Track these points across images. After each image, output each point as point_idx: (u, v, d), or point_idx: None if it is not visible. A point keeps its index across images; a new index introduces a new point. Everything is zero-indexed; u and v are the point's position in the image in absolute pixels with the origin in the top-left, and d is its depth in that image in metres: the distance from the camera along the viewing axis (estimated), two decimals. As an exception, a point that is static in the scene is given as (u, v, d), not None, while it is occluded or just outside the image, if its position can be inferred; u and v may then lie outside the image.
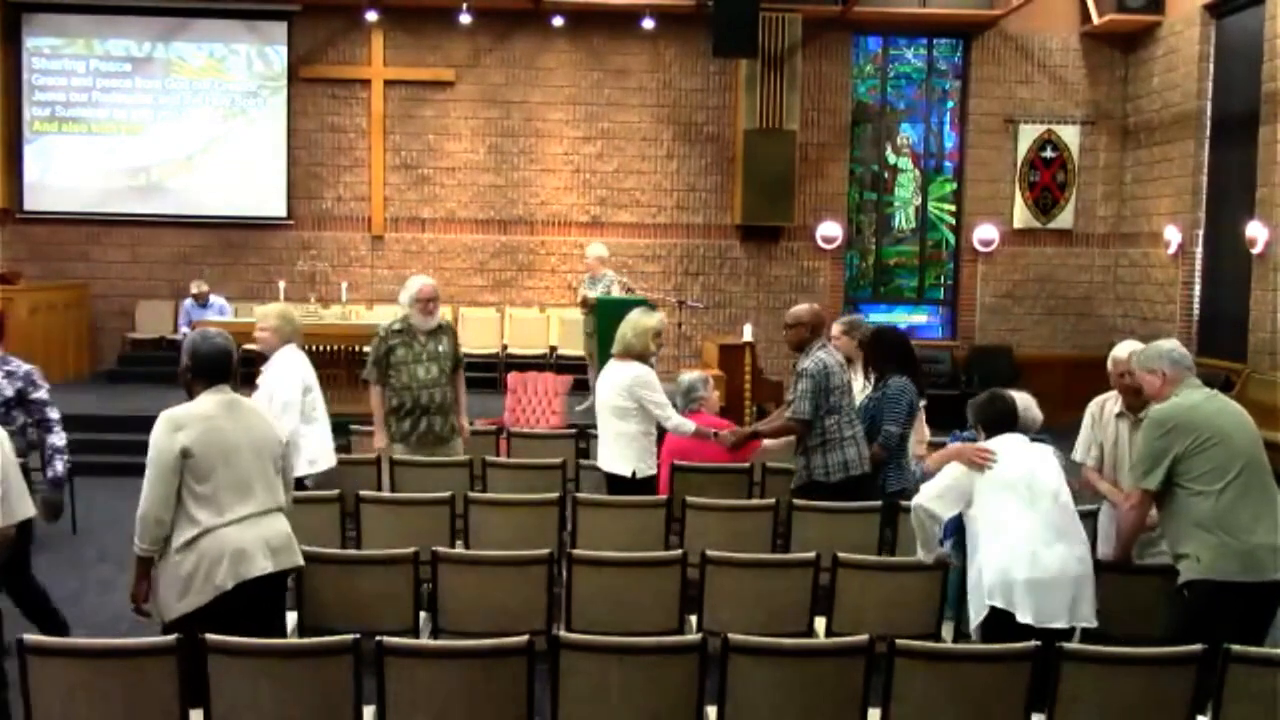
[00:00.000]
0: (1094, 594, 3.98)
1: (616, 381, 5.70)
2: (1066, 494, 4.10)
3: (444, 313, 12.53)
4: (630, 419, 5.63)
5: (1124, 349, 4.72)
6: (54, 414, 5.16)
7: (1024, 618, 3.89)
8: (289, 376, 5.60)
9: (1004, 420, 4.27)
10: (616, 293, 9.94)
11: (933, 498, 4.19)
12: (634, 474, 5.63)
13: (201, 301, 11.33)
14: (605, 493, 5.65)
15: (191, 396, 3.83)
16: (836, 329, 6.15)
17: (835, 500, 5.31)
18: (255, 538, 3.72)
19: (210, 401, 3.79)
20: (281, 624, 4.14)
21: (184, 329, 11.12)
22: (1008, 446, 4.15)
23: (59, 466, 5.02)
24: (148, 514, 3.66)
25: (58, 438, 5.08)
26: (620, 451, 5.66)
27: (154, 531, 3.66)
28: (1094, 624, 3.95)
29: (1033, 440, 4.30)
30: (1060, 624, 3.86)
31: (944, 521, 4.30)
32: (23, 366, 5.16)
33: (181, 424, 3.69)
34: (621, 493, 5.54)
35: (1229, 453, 3.96)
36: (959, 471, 4.14)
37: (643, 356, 5.77)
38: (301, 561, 3.96)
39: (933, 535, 4.29)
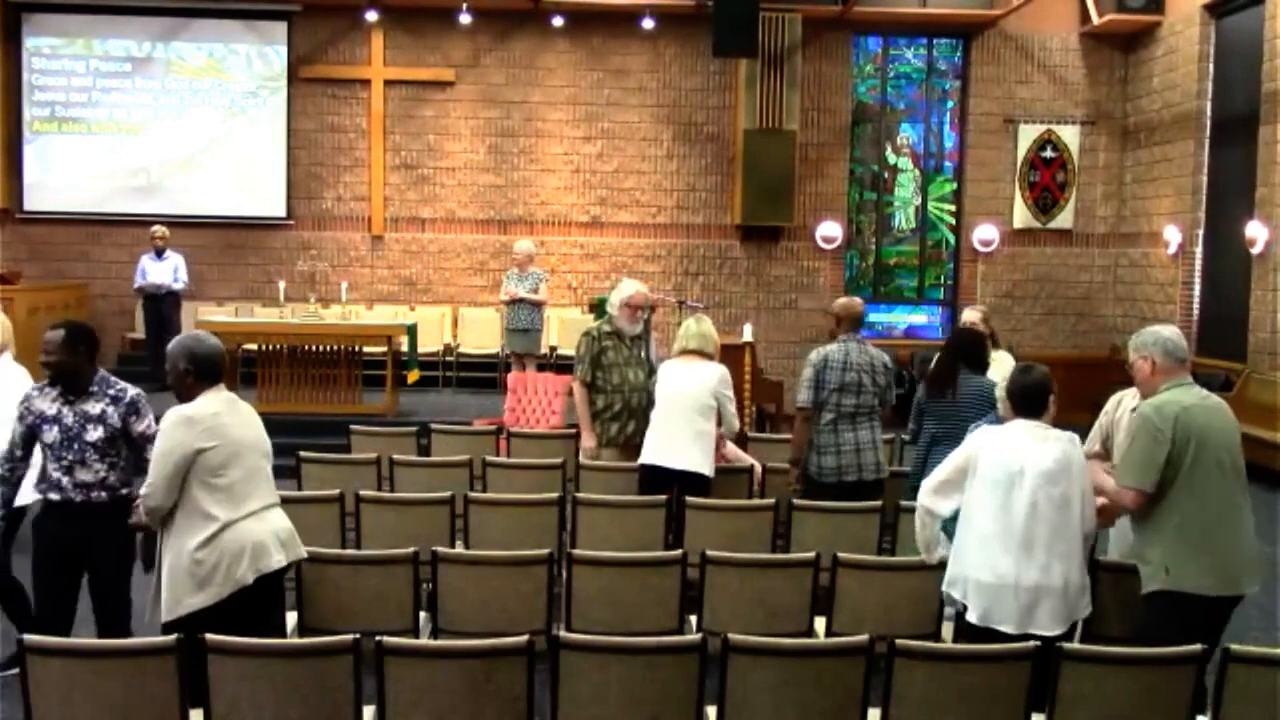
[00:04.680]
0: (1062, 605, 3.81)
1: (704, 379, 5.63)
2: (1058, 500, 3.82)
3: (444, 312, 12.72)
4: (711, 418, 5.60)
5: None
6: (150, 454, 4.13)
7: (970, 616, 3.87)
8: (14, 387, 4.83)
9: (1029, 397, 3.99)
10: (544, 291, 10.15)
11: (930, 492, 4.12)
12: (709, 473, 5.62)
13: (159, 252, 10.97)
14: (641, 492, 5.60)
15: (189, 397, 3.85)
16: (974, 316, 6.19)
17: (843, 499, 5.34)
18: (269, 531, 3.83)
19: (216, 400, 3.85)
20: (280, 617, 4.16)
21: (139, 280, 10.97)
22: (1012, 437, 3.95)
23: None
24: (156, 504, 3.74)
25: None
26: (704, 450, 5.59)
27: (158, 516, 3.78)
28: (1053, 632, 3.74)
29: (1053, 430, 3.96)
30: (1007, 629, 3.76)
31: (944, 518, 4.20)
32: (129, 390, 4.31)
33: (196, 422, 3.75)
34: (689, 492, 5.36)
35: (1210, 461, 3.88)
36: (959, 460, 4.04)
37: (713, 358, 5.82)
38: (305, 554, 4.03)
39: (934, 537, 4.24)
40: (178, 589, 3.69)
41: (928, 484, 4.17)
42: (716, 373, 5.70)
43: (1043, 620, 3.80)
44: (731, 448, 6.23)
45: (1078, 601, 3.87)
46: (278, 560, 3.82)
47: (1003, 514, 3.85)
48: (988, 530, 3.87)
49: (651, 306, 6.87)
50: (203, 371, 3.86)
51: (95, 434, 4.18)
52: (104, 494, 4.21)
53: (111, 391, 4.25)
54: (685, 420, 5.59)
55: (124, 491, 4.22)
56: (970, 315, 6.27)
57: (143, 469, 4.11)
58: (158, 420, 3.91)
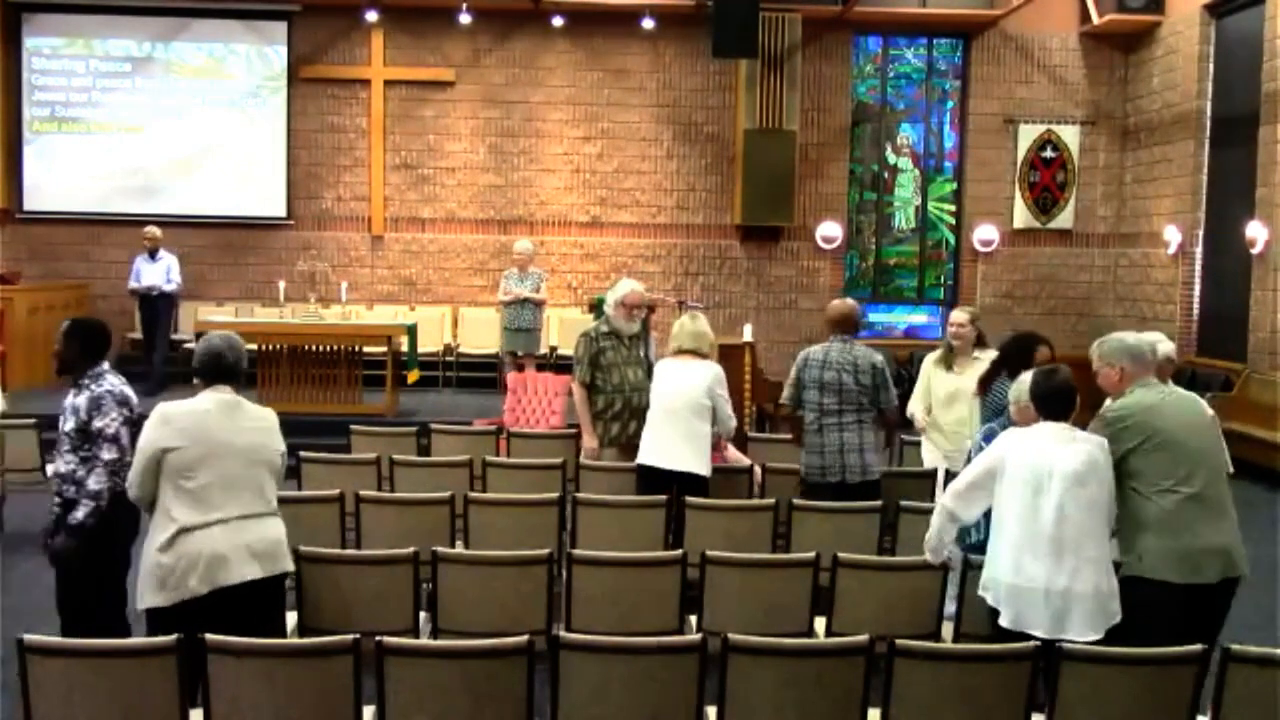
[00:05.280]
0: (1095, 610, 3.78)
1: (700, 379, 5.61)
2: (1086, 503, 3.81)
3: (444, 312, 12.72)
4: (706, 418, 5.59)
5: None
6: (106, 452, 4.12)
7: (1003, 620, 3.87)
8: None
9: (1054, 400, 3.95)
10: (544, 290, 10.25)
11: (955, 494, 4.08)
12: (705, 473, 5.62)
13: (152, 253, 10.90)
14: (638, 493, 5.59)
15: (196, 395, 3.89)
16: (962, 317, 6.18)
17: (830, 499, 5.36)
18: (237, 543, 3.71)
19: (207, 400, 3.83)
20: (277, 627, 4.13)
21: (132, 283, 10.94)
22: (1038, 439, 3.92)
23: (80, 514, 4.10)
24: (134, 496, 3.83)
25: (95, 481, 4.10)
26: (698, 450, 5.57)
27: (141, 501, 3.83)
28: (1087, 638, 3.70)
29: (1079, 431, 3.94)
30: (1039, 633, 3.73)
31: (963, 523, 4.18)
32: (103, 386, 4.23)
33: (169, 419, 3.74)
34: (686, 493, 5.34)
35: (1179, 455, 3.94)
36: (986, 463, 4.02)
37: (708, 358, 5.80)
38: (291, 567, 3.93)
39: (946, 540, 4.21)
40: (143, 584, 3.71)
41: (953, 487, 4.15)
42: (711, 372, 5.68)
43: (1077, 626, 3.76)
44: (732, 450, 6.23)
45: (1109, 606, 3.84)
46: (241, 574, 3.68)
47: (1031, 517, 3.84)
48: (1017, 534, 3.86)
49: (650, 306, 6.85)
50: (201, 370, 3.87)
51: (68, 425, 4.19)
52: (72, 488, 4.16)
53: (91, 386, 4.23)
54: (680, 421, 5.57)
55: (94, 488, 4.11)
56: (958, 315, 6.27)
57: (100, 465, 4.10)
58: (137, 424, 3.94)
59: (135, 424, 4.16)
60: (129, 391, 4.30)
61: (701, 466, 5.58)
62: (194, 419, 3.75)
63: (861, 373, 5.54)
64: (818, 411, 5.55)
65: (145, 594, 3.70)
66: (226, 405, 3.84)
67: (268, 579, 3.78)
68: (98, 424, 4.16)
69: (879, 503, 5.25)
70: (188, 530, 3.66)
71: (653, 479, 5.59)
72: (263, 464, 3.86)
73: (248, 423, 3.87)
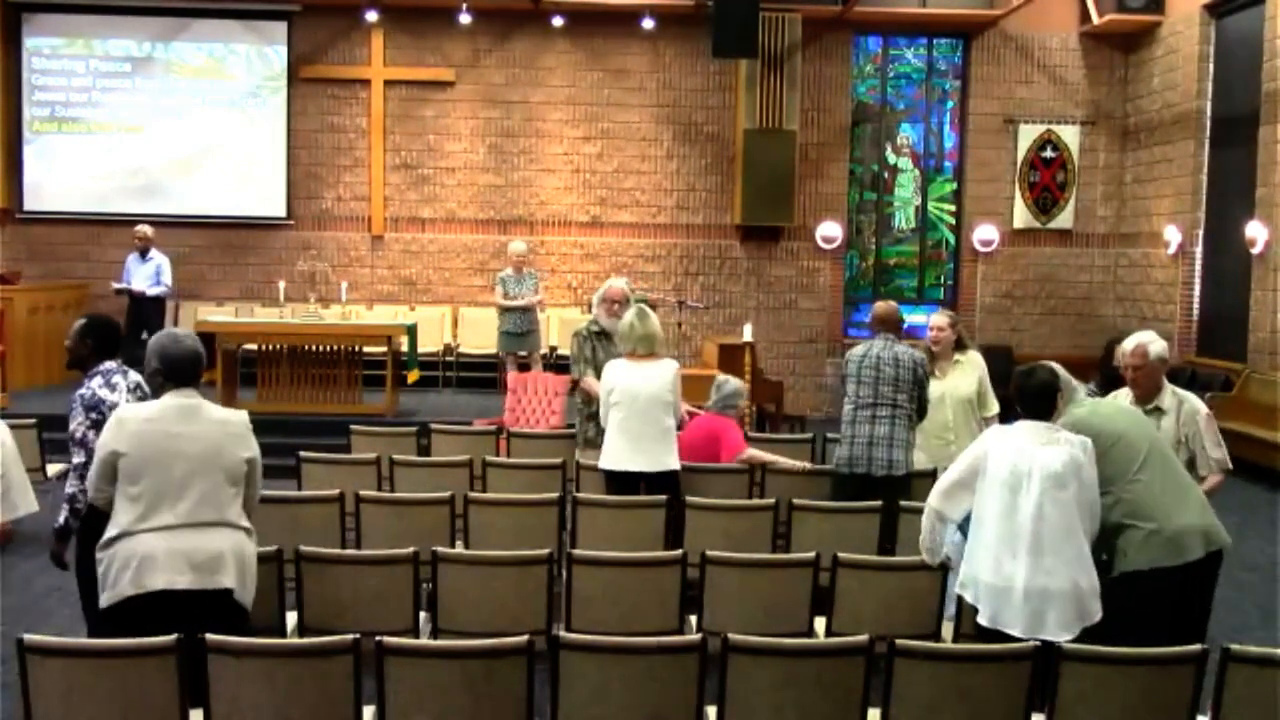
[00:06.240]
0: (1071, 610, 3.79)
1: (663, 376, 5.59)
2: (1066, 504, 3.82)
3: (444, 313, 12.72)
4: (670, 413, 5.61)
5: (1130, 342, 4.79)
6: (75, 456, 4.11)
7: (980, 619, 3.88)
8: None
9: (1032, 400, 3.98)
10: (541, 290, 10.34)
11: (941, 494, 4.10)
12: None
13: (143, 251, 10.81)
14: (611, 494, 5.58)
15: (156, 397, 3.79)
16: (941, 321, 6.30)
17: (857, 491, 5.42)
18: (173, 550, 3.56)
19: (167, 404, 3.71)
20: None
21: (125, 281, 10.83)
22: (1017, 438, 3.94)
23: (59, 518, 4.11)
24: (90, 499, 3.76)
25: (67, 485, 4.07)
26: (669, 447, 5.57)
27: (98, 503, 3.73)
28: (1061, 639, 3.67)
29: (1063, 432, 3.97)
30: (1015, 632, 3.75)
31: (952, 522, 4.18)
32: (80, 389, 4.22)
33: (124, 424, 3.65)
34: (661, 490, 5.38)
35: (1125, 451, 4.06)
36: (969, 460, 4.03)
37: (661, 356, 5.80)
38: (230, 584, 3.62)
39: (939, 541, 4.21)
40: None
41: (938, 486, 4.16)
42: (672, 369, 5.67)
43: (1052, 626, 3.77)
44: (757, 453, 6.21)
45: (1088, 606, 3.84)
46: (171, 580, 3.52)
47: (1010, 516, 3.85)
48: (995, 532, 3.88)
49: (651, 304, 6.84)
50: (172, 373, 3.74)
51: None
52: (67, 483, 4.11)
53: (84, 383, 4.20)
54: (652, 421, 5.54)
55: (69, 491, 4.08)
56: (938, 319, 6.30)
57: (70, 470, 4.07)
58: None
59: None
60: (105, 394, 4.14)
61: (674, 462, 5.61)
62: (145, 424, 3.64)
63: (903, 368, 5.63)
64: (853, 404, 5.64)
65: (100, 594, 3.65)
66: (183, 410, 3.69)
67: (207, 593, 3.58)
68: (70, 427, 4.14)
69: (879, 503, 5.25)
70: (125, 535, 3.57)
71: (622, 481, 5.58)
72: (219, 471, 3.67)
73: (207, 427, 3.70)
